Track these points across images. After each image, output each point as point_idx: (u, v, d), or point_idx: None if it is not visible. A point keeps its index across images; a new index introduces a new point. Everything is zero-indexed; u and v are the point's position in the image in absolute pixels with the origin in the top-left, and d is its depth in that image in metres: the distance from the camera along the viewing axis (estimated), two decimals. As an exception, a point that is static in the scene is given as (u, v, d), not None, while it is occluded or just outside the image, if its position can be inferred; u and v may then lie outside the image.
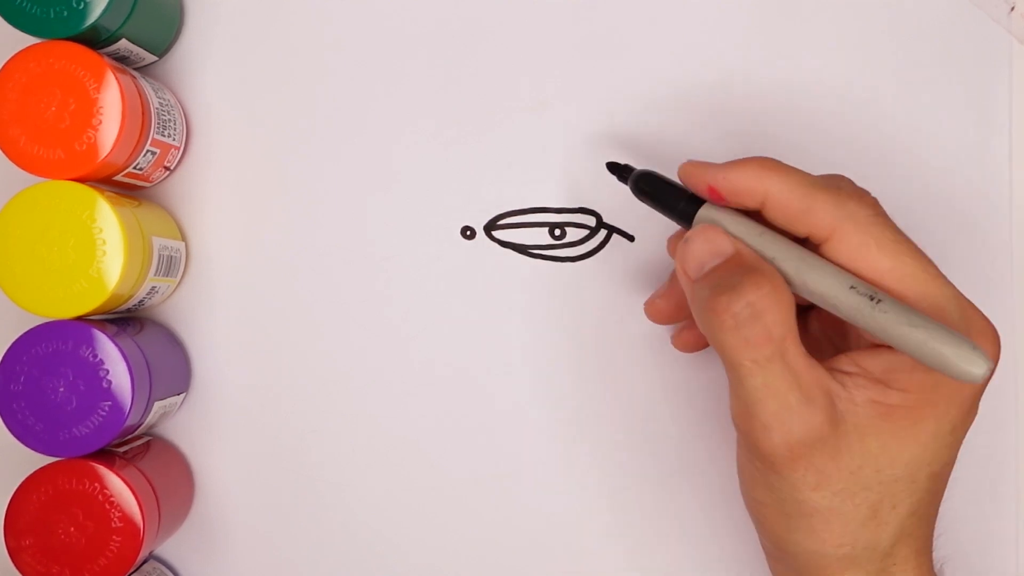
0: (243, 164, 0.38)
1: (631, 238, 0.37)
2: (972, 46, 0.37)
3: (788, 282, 0.28)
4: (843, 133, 0.37)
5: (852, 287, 0.27)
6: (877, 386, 0.28)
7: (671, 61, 0.37)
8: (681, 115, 0.37)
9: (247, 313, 0.38)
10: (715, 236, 0.29)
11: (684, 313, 0.34)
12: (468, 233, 0.37)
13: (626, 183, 0.33)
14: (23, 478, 0.33)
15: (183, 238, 0.37)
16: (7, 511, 0.33)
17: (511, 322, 0.37)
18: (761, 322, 0.27)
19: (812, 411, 0.27)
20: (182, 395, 0.37)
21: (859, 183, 0.36)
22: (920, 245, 0.36)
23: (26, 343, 0.33)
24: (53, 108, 0.32)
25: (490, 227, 0.37)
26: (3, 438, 0.33)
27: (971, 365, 0.25)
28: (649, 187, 0.32)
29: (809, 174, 0.29)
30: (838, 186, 0.29)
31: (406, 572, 0.37)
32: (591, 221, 0.37)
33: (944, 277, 0.28)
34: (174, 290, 0.38)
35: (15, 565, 0.33)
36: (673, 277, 0.34)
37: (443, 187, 0.37)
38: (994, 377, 0.36)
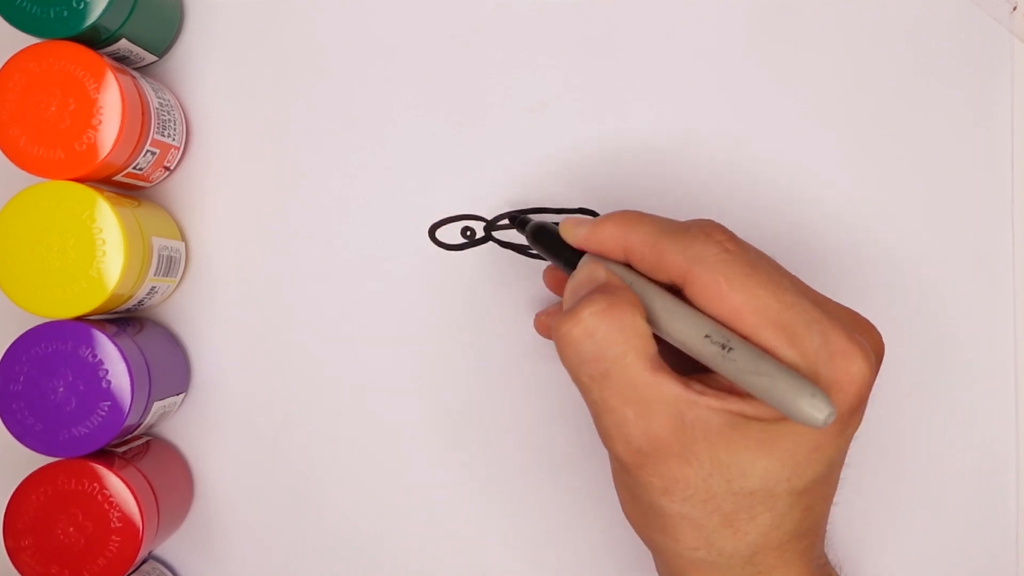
0: (243, 164, 0.38)
1: (631, 238, 0.37)
2: (973, 46, 0.36)
3: (658, 328, 0.28)
4: (843, 133, 0.37)
5: (707, 335, 0.27)
6: (733, 397, 0.28)
7: (671, 61, 0.37)
8: (681, 115, 0.37)
9: (247, 313, 0.38)
10: (595, 267, 0.30)
11: None
12: (468, 233, 0.37)
13: (522, 232, 0.35)
14: (23, 478, 0.33)
15: (183, 238, 0.38)
16: (6, 511, 0.33)
17: (511, 322, 0.37)
18: (592, 340, 0.28)
19: (649, 423, 0.27)
20: (181, 395, 0.37)
21: (859, 183, 0.37)
22: (921, 246, 0.37)
23: (26, 343, 0.33)
24: (53, 108, 0.32)
25: (490, 227, 0.37)
26: (2, 438, 0.33)
27: (813, 412, 0.25)
28: (541, 237, 0.33)
29: (665, 221, 0.29)
30: (686, 229, 0.29)
31: (404, 573, 0.37)
32: (591, 221, 0.37)
33: (804, 301, 0.27)
34: (174, 290, 0.38)
35: (14, 565, 0.33)
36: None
37: (443, 187, 0.37)
38: (994, 377, 0.37)
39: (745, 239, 0.36)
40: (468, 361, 0.37)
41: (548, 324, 0.35)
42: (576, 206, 0.37)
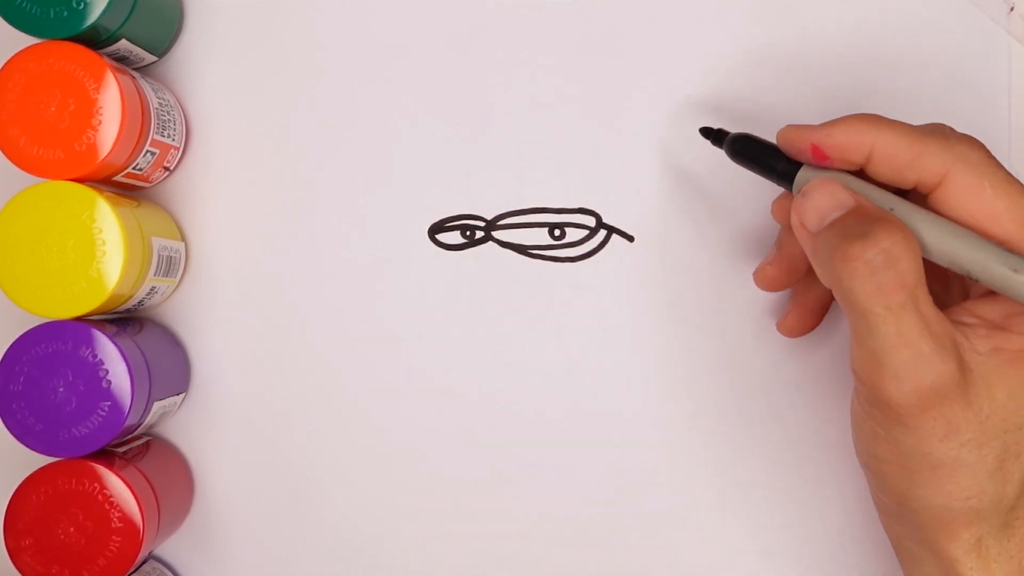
0: (243, 164, 0.38)
1: (631, 238, 0.37)
2: (971, 46, 0.37)
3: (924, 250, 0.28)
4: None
5: (990, 255, 0.27)
6: (999, 333, 0.28)
7: (671, 61, 0.37)
8: (681, 115, 0.37)
9: (247, 313, 0.38)
10: (834, 188, 0.29)
11: (793, 278, 0.34)
12: (468, 234, 0.37)
13: (720, 147, 0.33)
14: (23, 478, 0.33)
15: (183, 238, 0.38)
16: (7, 511, 0.33)
17: (511, 323, 0.37)
18: (895, 268, 0.27)
19: (944, 359, 0.27)
20: (182, 395, 0.37)
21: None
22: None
23: (26, 343, 0.33)
24: (53, 108, 0.32)
25: (489, 227, 0.37)
26: (3, 438, 0.33)
27: None
28: (746, 149, 0.32)
29: (911, 124, 0.29)
30: (944, 132, 0.29)
31: (404, 573, 0.37)
32: (591, 221, 0.37)
33: None
34: (174, 290, 0.38)
35: (15, 565, 0.33)
36: (779, 244, 0.34)
37: (443, 187, 0.37)
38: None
39: (753, 226, 0.36)
40: (468, 361, 0.37)
41: (775, 276, 0.34)
42: (576, 206, 0.37)
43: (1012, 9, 0.37)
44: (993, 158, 0.29)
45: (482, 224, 0.37)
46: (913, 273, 0.27)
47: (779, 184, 0.32)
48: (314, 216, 0.37)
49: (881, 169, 0.29)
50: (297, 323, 0.37)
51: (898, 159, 0.29)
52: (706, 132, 0.34)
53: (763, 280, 0.35)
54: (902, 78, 0.37)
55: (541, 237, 0.37)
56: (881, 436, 0.29)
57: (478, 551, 0.37)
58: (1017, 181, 0.29)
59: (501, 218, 0.37)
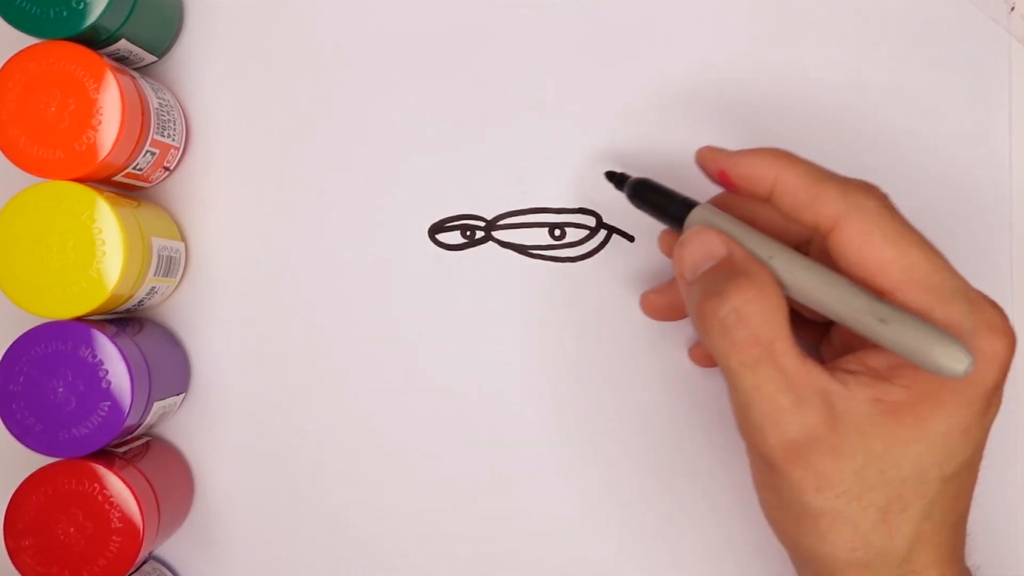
0: (243, 164, 0.38)
1: (631, 238, 0.37)
2: (972, 46, 0.37)
3: (798, 293, 0.28)
4: (843, 133, 0.37)
5: (856, 291, 0.27)
6: (880, 383, 0.27)
7: (671, 61, 0.37)
8: (681, 115, 0.37)
9: (247, 313, 0.38)
10: (708, 238, 0.29)
11: (678, 312, 0.35)
12: (468, 234, 0.37)
13: (622, 190, 0.34)
14: (23, 478, 0.33)
15: (182, 238, 0.38)
16: (7, 511, 0.33)
17: (511, 323, 0.37)
18: (746, 326, 0.27)
19: (804, 412, 0.27)
20: (181, 395, 0.37)
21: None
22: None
23: (26, 343, 0.33)
24: (53, 108, 0.32)
25: (490, 227, 0.37)
26: (3, 438, 0.33)
27: (951, 361, 0.25)
28: (642, 193, 0.33)
29: (820, 166, 0.29)
30: (845, 179, 0.29)
31: (404, 572, 0.37)
32: (591, 221, 0.37)
33: (952, 269, 0.28)
34: (174, 290, 0.38)
35: (15, 565, 0.33)
36: (674, 276, 0.34)
37: (443, 188, 0.37)
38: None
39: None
40: (468, 361, 0.37)
41: (658, 303, 0.34)
42: (576, 206, 0.37)
43: (1012, 9, 0.37)
44: (889, 207, 0.28)
45: (482, 224, 0.37)
46: (768, 329, 0.27)
47: (673, 228, 0.32)
48: (314, 216, 0.37)
49: (782, 204, 0.29)
50: (297, 323, 0.37)
51: (796, 198, 0.29)
52: (610, 176, 0.34)
53: (647, 306, 0.35)
54: (902, 78, 0.37)
55: (541, 237, 0.37)
56: (766, 483, 0.29)
57: (478, 551, 0.37)
58: (912, 231, 0.28)
59: (501, 218, 0.37)
